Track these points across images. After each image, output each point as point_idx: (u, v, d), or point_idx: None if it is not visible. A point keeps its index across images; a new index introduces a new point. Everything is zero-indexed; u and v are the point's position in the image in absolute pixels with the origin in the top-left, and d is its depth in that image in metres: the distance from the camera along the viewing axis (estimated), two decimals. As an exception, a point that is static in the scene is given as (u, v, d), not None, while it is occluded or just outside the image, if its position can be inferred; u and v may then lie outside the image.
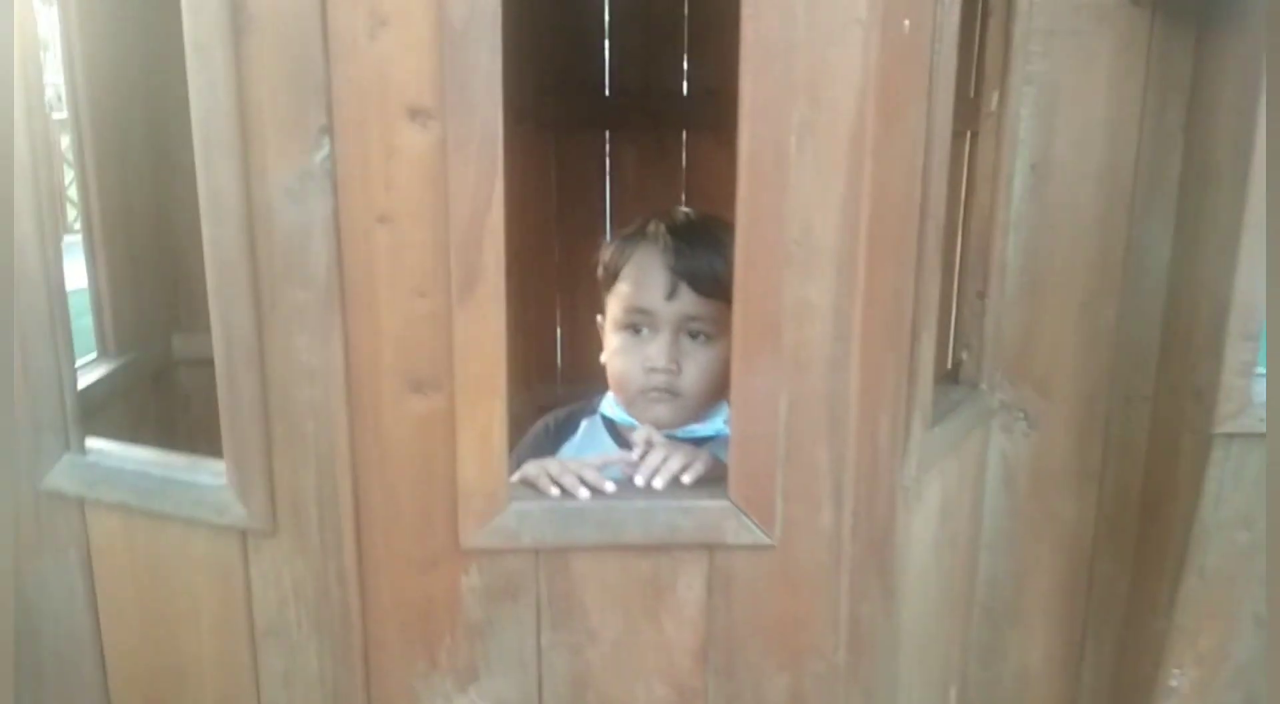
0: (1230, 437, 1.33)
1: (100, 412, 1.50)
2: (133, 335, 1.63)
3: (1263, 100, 1.20)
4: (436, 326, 0.99)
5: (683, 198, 2.61)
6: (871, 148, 1.00)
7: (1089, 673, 1.62)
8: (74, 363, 1.18)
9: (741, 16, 0.94)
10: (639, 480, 1.08)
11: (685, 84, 2.59)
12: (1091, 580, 1.57)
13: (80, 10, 1.53)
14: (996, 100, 1.35)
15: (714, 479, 1.10)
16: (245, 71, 0.96)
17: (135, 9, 1.63)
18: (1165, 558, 1.49)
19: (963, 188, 1.47)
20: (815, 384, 1.03)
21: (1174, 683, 1.50)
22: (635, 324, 1.26)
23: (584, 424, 1.39)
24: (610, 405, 1.34)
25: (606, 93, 2.62)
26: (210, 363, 1.04)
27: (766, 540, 1.06)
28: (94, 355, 1.57)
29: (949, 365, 1.50)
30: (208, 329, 1.03)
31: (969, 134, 1.46)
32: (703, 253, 1.23)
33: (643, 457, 1.11)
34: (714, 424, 1.27)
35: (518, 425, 2.53)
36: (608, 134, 2.61)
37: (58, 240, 1.19)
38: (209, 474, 1.10)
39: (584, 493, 1.06)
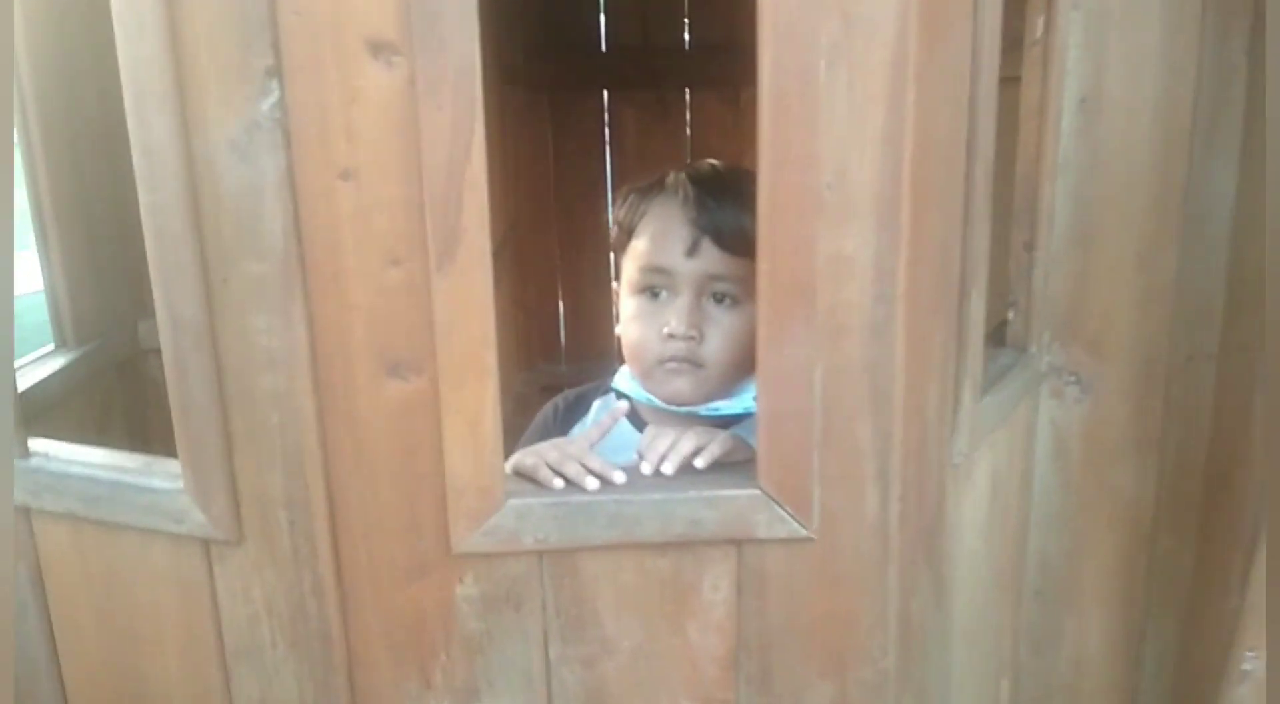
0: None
1: (60, 406, 1.37)
2: (94, 324, 1.49)
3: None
4: (414, 298, 0.86)
5: (688, 160, 2.47)
6: (914, 74, 0.85)
7: (1151, 657, 1.49)
8: (12, 359, 1.04)
9: (759, -82, 0.80)
10: (645, 468, 0.95)
11: (687, 38, 2.44)
12: (1152, 558, 1.43)
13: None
14: (1042, 27, 1.20)
15: (741, 464, 0.96)
16: (177, 7, 0.82)
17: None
18: (1236, 530, 1.35)
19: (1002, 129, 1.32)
20: (854, 352, 0.89)
21: (1247, 666, 1.36)
22: (653, 286, 1.11)
23: (596, 404, 1.25)
24: (625, 380, 1.20)
25: (603, 49, 2.47)
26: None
27: (803, 532, 0.92)
28: (51, 347, 1.43)
29: (993, 326, 1.36)
30: (158, 312, 0.90)
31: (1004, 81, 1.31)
32: (729, 205, 1.08)
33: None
34: (742, 400, 1.12)
35: (523, 409, 2.40)
36: (605, 94, 2.47)
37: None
38: (164, 477, 0.97)
39: (591, 483, 0.92)
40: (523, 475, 0.97)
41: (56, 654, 1.09)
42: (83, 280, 1.47)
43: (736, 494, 0.91)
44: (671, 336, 1.09)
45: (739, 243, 1.05)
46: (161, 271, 0.89)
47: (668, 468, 0.93)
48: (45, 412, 1.32)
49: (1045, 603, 1.46)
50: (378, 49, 0.81)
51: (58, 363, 1.40)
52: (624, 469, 0.94)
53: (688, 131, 2.43)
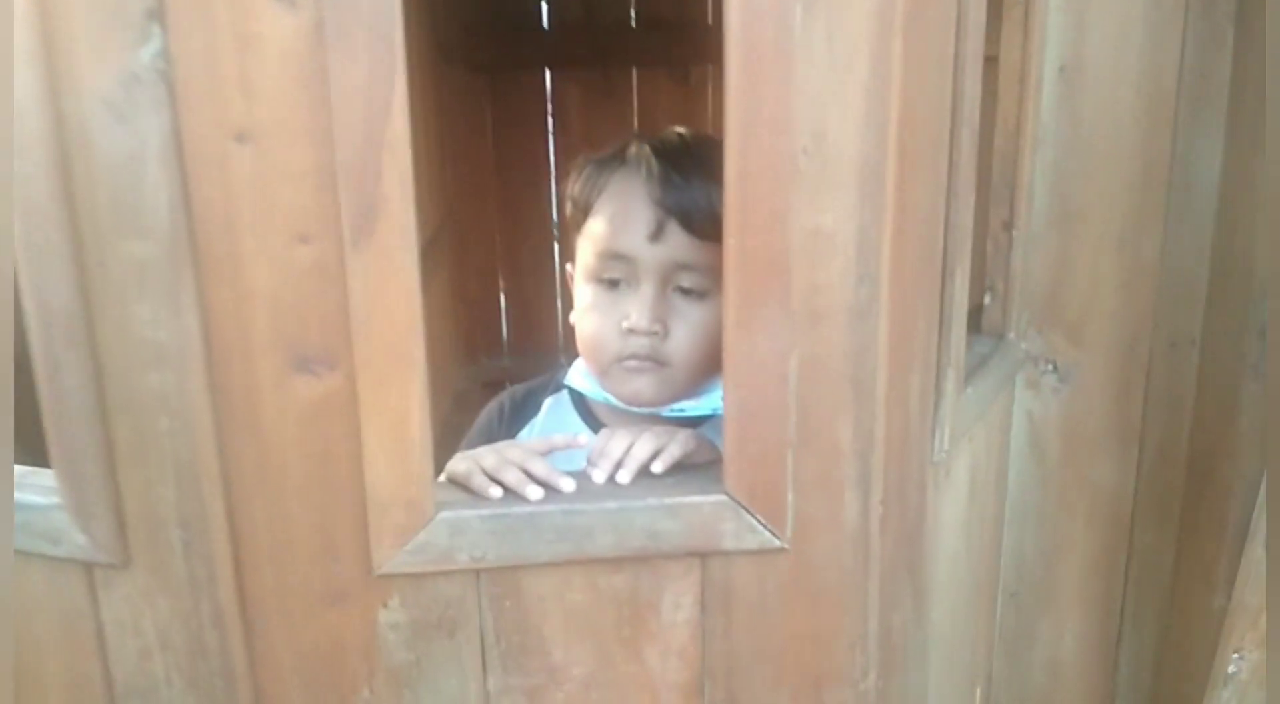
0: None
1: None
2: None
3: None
4: (326, 281, 0.74)
5: (635, 140, 2.36)
6: (901, 22, 0.75)
7: (1127, 661, 1.41)
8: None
9: None
10: (597, 476, 0.83)
11: (633, 14, 2.32)
12: (1131, 555, 1.36)
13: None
14: (1022, -14, 1.11)
15: (705, 467, 0.85)
16: (36, -65, 0.69)
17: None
18: (1220, 525, 1.27)
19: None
20: (834, 339, 0.79)
21: (1233, 669, 1.29)
22: (611, 274, 0.99)
23: (548, 402, 1.12)
24: (579, 376, 1.08)
25: (545, 27, 2.34)
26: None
27: (776, 542, 0.82)
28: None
29: (968, 312, 1.27)
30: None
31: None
32: (698, 182, 0.95)
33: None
34: (710, 400, 1.01)
35: (464, 408, 2.28)
36: (548, 73, 2.34)
37: None
38: (38, 491, 0.83)
39: (534, 492, 0.81)
40: (456, 484, 0.85)
41: (-78, 694, 0.95)
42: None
43: (701, 501, 0.80)
44: (632, 332, 0.97)
45: (709, 226, 0.93)
46: (28, 253, 0.76)
47: (623, 476, 0.82)
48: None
49: (1020, 605, 1.38)
50: (278, -14, 0.68)
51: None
52: (573, 476, 0.82)
53: (635, 112, 2.32)
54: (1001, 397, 1.21)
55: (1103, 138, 1.20)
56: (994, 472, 1.24)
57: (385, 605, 0.81)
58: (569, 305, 1.07)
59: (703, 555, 0.82)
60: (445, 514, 0.79)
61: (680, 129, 1.06)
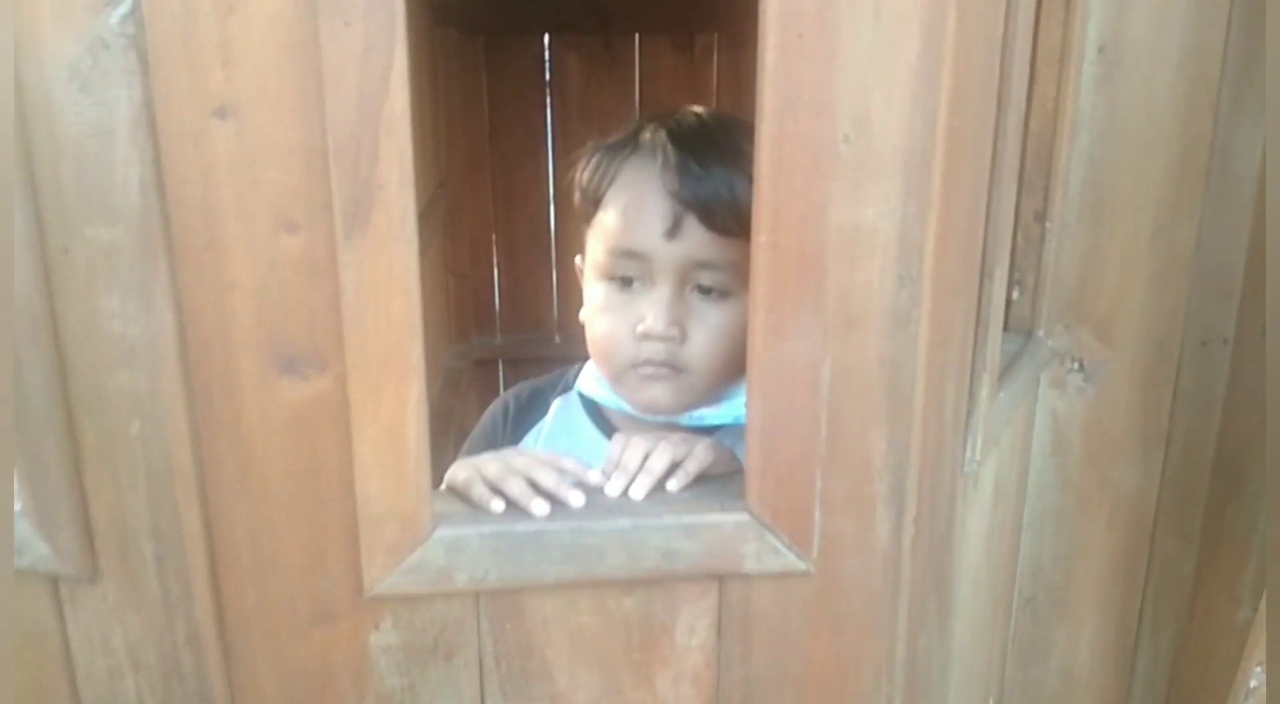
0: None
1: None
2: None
3: None
4: (315, 274, 0.66)
5: (635, 112, 2.27)
6: (955, -3, 0.68)
7: (1144, 670, 1.36)
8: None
9: None
10: (611, 489, 0.77)
11: (635, -21, 2.23)
12: (1151, 562, 1.30)
13: None
14: (1064, -42, 1.03)
15: (725, 481, 0.79)
16: (-10, -120, 0.61)
17: None
18: (1248, 533, 1.22)
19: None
20: (871, 345, 0.72)
21: (1254, 683, 1.24)
22: (624, 273, 0.92)
23: (556, 404, 1.05)
24: (591, 380, 1.01)
25: (543, -11, 2.25)
26: None
27: (800, 565, 0.75)
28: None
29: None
30: None
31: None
32: (719, 172, 0.87)
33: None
34: (731, 408, 0.94)
35: (454, 388, 2.20)
36: (547, 39, 2.25)
37: None
38: (-2, 496, 0.76)
39: (539, 507, 0.74)
40: (456, 493, 0.78)
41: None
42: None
43: (721, 520, 0.74)
44: (647, 336, 0.89)
45: (732, 220, 0.86)
46: (-17, 236, 0.68)
47: (637, 492, 0.76)
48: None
49: (1035, 611, 1.32)
50: (264, -57, 0.61)
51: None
52: (581, 488, 0.76)
53: (636, 81, 2.23)
54: (1027, 397, 1.15)
55: (1141, 122, 1.13)
56: (1016, 475, 1.18)
57: (376, 627, 0.75)
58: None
59: (720, 578, 0.76)
60: (443, 531, 0.72)
61: (697, 109, 0.98)
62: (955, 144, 0.71)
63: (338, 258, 0.66)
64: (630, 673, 0.78)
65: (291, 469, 0.70)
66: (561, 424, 1.02)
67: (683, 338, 0.90)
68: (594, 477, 0.76)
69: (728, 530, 0.74)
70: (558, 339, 2.39)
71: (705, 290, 0.90)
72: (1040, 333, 1.14)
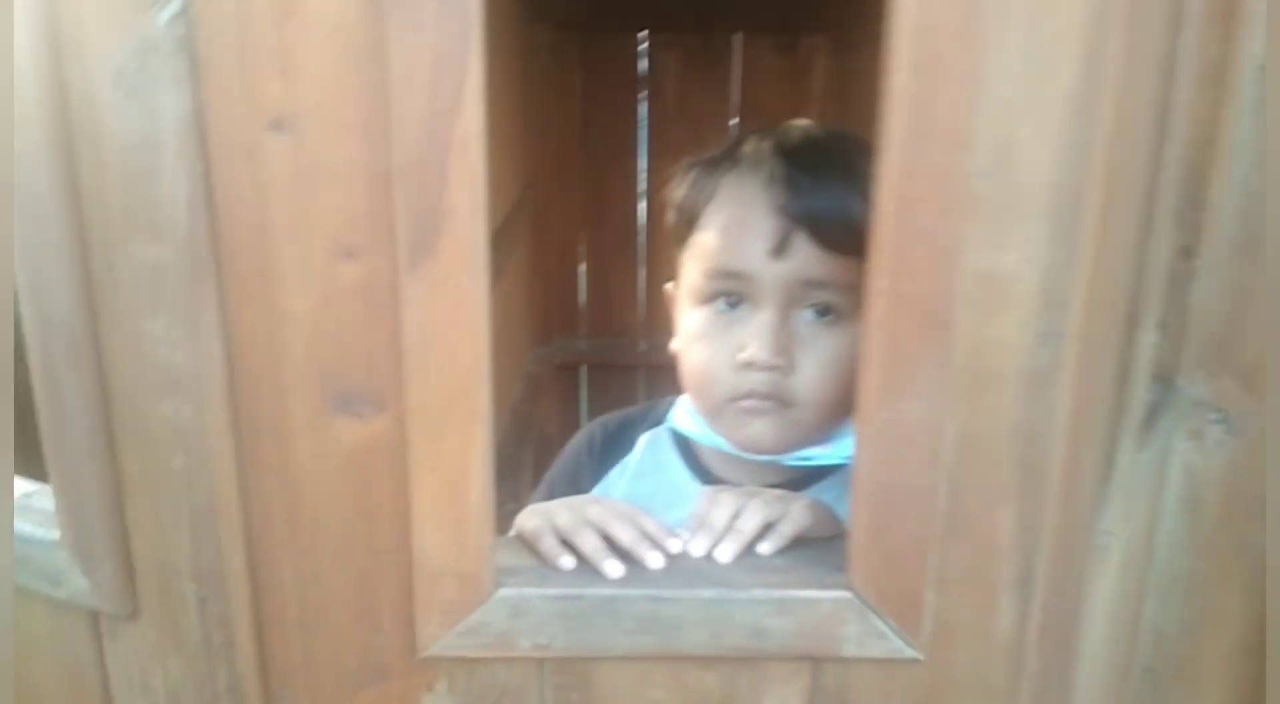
0: None
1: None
2: None
3: None
4: (375, 307, 0.60)
5: (734, 117, 2.17)
6: (1124, 11, 0.58)
7: (1274, 750, 1.23)
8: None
9: None
10: (695, 549, 0.69)
11: (741, -26, 2.14)
12: (1290, 634, 1.17)
13: None
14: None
15: (824, 550, 0.70)
16: None
17: None
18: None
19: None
20: (1002, 410, 0.63)
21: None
22: (725, 294, 0.83)
23: (644, 440, 0.96)
24: (685, 415, 0.92)
25: (643, -17, 2.17)
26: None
27: (908, 652, 0.66)
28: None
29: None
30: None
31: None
32: (831, 185, 0.79)
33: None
34: (841, 448, 0.85)
35: (536, 393, 2.14)
36: (643, 36, 2.17)
37: None
38: (37, 518, 0.72)
39: (613, 568, 0.66)
40: (525, 543, 0.71)
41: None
42: None
43: (819, 597, 0.65)
44: (749, 365, 0.81)
45: (845, 237, 0.77)
46: (27, 252, 0.63)
47: (724, 554, 0.67)
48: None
49: (1155, 681, 1.20)
50: (331, -63, 0.54)
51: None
52: (660, 551, 0.68)
53: (736, 83, 2.14)
54: (1163, 450, 1.03)
55: (1307, 151, 1.00)
56: (1145, 538, 1.06)
57: (430, 689, 0.68)
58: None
59: (815, 660, 0.67)
60: (506, 591, 0.65)
61: (803, 122, 0.89)
62: (1112, 181, 0.61)
63: (400, 289, 0.59)
64: (707, 758, 0.70)
65: (343, 516, 0.64)
66: (650, 461, 0.94)
67: (790, 368, 0.81)
68: (675, 545, 0.68)
69: (826, 609, 0.65)
70: (643, 346, 2.31)
71: (819, 312, 0.81)
72: (1181, 380, 1.02)
